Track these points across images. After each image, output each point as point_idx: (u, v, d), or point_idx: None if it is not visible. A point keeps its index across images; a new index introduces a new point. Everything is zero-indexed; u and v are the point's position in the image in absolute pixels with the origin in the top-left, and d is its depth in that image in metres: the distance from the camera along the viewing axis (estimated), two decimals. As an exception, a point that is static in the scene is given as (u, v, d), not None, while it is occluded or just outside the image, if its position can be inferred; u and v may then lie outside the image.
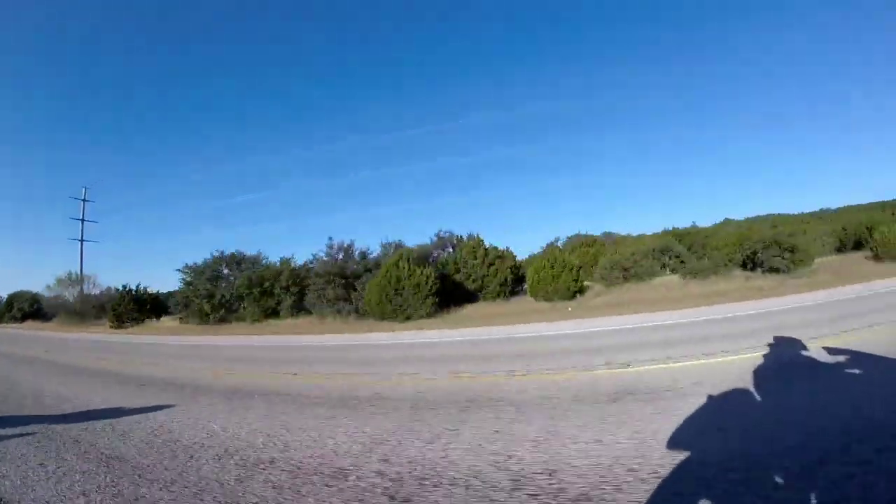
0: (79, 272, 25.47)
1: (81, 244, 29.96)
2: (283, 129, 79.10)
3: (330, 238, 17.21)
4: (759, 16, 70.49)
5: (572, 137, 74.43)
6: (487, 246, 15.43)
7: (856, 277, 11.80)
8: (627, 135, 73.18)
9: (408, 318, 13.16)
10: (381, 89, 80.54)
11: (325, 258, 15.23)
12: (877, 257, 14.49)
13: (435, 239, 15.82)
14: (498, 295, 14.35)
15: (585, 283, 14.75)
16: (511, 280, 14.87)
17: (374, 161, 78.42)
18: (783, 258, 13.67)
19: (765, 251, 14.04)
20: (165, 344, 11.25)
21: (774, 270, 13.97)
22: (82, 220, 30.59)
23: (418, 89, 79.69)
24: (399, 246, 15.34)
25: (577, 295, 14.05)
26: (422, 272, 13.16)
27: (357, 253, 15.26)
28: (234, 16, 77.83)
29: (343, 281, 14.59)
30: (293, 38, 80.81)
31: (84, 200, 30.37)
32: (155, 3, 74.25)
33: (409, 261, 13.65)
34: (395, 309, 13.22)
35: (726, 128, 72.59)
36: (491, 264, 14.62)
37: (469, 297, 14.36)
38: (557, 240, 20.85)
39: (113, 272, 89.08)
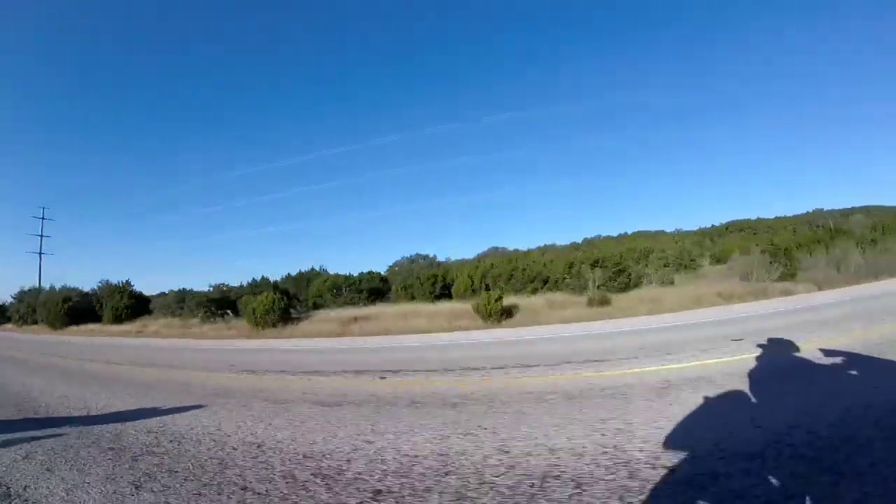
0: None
1: (40, 257, 44.53)
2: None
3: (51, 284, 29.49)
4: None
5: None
6: (132, 289, 26.48)
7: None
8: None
9: (54, 329, 24.69)
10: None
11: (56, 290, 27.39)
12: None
13: (99, 284, 27.27)
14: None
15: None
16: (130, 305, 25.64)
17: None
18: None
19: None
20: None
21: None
22: (41, 236, 43.85)
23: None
24: (72, 288, 27.13)
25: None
26: (61, 303, 24.64)
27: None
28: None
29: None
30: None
31: (42, 219, 43.67)
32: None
33: (69, 296, 25.20)
34: (51, 322, 24.83)
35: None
36: (121, 299, 25.55)
37: (97, 318, 25.49)
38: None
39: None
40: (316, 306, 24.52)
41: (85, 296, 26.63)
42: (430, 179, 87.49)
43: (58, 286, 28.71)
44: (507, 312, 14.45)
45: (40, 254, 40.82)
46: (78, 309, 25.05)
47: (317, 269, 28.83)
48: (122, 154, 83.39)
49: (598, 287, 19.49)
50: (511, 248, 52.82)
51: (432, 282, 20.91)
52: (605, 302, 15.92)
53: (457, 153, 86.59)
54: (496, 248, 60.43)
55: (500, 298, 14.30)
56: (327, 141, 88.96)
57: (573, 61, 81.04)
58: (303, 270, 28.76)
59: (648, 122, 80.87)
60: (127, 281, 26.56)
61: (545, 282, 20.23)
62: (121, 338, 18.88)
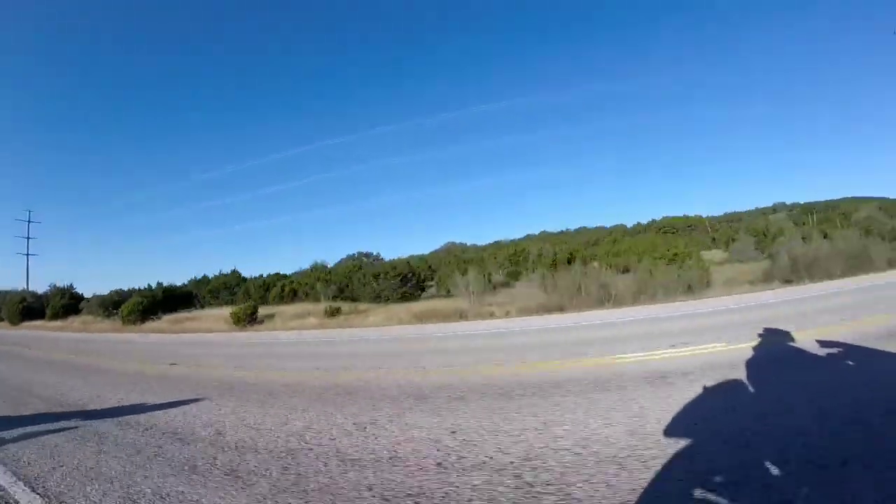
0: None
1: (27, 258, 53.74)
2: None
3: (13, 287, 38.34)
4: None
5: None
6: (74, 292, 35.36)
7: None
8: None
9: (13, 325, 33.70)
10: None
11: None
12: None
13: (49, 287, 36.18)
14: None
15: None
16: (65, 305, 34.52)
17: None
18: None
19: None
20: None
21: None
22: (27, 238, 53.39)
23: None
24: (28, 291, 36.05)
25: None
26: (17, 303, 33.61)
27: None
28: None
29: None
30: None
31: (28, 221, 52.70)
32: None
33: (24, 297, 34.18)
34: (10, 319, 33.82)
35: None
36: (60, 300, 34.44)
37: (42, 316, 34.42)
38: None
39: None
40: (202, 306, 33.21)
41: (38, 297, 35.68)
42: (397, 175, 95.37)
43: (48, 286, 37.96)
44: (259, 321, 22.76)
45: (27, 255, 50.15)
46: (31, 308, 34.07)
47: (226, 272, 37.57)
48: (119, 154, 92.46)
49: (380, 296, 27.85)
50: (469, 243, 61.16)
51: (264, 288, 29.34)
52: (335, 313, 24.01)
53: (421, 149, 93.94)
54: (453, 243, 68.59)
55: (253, 308, 22.65)
56: (304, 140, 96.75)
57: (548, 53, 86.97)
58: (206, 274, 37.48)
59: (631, 111, 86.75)
60: (70, 285, 35.67)
61: (342, 290, 28.50)
62: (46, 331, 27.70)
